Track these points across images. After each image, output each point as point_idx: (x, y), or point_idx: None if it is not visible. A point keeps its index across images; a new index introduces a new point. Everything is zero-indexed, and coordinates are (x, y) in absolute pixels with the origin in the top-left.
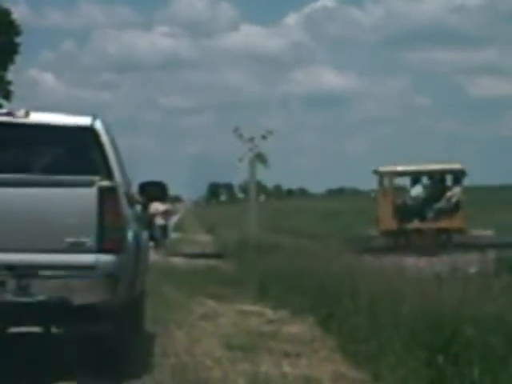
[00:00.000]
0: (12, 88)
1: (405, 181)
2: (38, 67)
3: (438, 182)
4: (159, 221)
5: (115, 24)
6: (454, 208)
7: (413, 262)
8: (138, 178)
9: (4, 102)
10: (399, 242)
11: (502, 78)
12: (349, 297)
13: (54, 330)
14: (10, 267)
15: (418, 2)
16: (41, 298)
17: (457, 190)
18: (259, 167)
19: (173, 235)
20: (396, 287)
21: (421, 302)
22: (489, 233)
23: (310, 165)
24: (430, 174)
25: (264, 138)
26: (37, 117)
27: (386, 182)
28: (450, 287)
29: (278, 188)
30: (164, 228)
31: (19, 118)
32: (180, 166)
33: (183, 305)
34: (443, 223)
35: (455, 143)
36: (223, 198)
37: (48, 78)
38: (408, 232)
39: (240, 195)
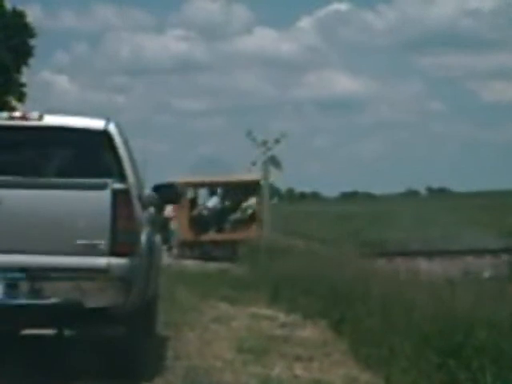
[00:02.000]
0: (26, 90)
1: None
2: (52, 69)
3: (234, 193)
4: (175, 224)
5: (129, 27)
6: (250, 219)
7: None
8: (151, 180)
9: (18, 104)
10: (194, 252)
11: None
12: (361, 300)
13: (66, 332)
14: (23, 269)
15: (431, 6)
16: (53, 300)
17: (252, 201)
18: (272, 171)
19: None
20: (408, 291)
21: (433, 306)
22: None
23: (323, 168)
24: (227, 185)
25: (277, 141)
26: (50, 119)
27: (183, 192)
28: (464, 291)
29: (290, 191)
30: None
31: (33, 121)
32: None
33: (195, 308)
34: (239, 234)
35: (469, 148)
36: None
37: (62, 80)
38: (204, 243)
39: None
